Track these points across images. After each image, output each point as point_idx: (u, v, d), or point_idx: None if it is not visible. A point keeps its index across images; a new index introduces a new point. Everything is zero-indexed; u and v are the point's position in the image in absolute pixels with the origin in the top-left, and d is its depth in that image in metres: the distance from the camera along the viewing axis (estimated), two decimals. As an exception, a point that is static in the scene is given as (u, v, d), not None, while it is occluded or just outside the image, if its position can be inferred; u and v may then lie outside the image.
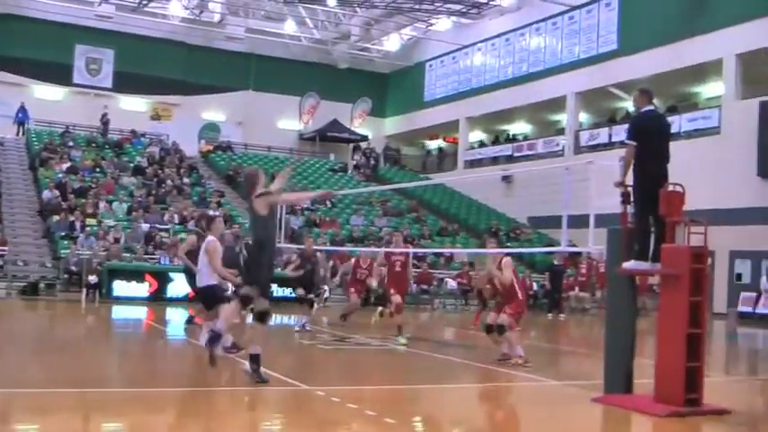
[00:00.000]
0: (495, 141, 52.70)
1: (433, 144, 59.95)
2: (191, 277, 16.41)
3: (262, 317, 11.81)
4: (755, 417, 11.69)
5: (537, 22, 46.96)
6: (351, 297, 22.55)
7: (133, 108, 52.42)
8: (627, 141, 11.62)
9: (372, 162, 52.87)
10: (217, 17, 53.46)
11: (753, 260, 34.30)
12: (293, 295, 29.87)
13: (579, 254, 33.01)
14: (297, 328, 20.73)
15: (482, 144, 53.73)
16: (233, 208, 39.35)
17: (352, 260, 24.19)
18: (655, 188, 11.13)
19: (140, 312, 24.97)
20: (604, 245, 12.24)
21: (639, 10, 40.18)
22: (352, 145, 55.74)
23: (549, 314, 31.80)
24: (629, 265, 11.41)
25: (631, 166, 11.40)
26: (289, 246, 31.12)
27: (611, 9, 42.11)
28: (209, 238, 14.24)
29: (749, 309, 32.38)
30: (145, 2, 48.71)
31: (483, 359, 15.60)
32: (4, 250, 29.86)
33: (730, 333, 26.66)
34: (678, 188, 11.10)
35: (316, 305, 29.52)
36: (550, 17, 45.94)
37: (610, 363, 11.71)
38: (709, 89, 40.75)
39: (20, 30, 48.90)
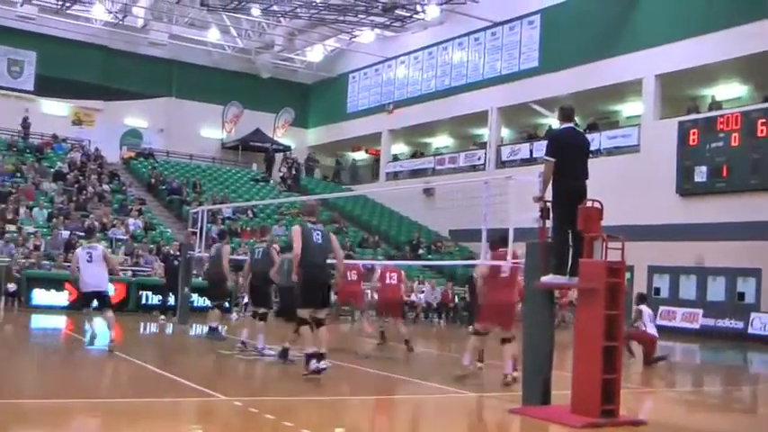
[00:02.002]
0: (414, 155, 52.91)
1: (356, 155, 60.08)
2: None
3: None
4: (670, 428, 11.92)
5: (460, 36, 47.34)
6: None
7: (55, 112, 51.70)
8: (545, 158, 11.80)
9: (294, 172, 52.77)
10: (140, 22, 52.95)
11: (671, 275, 35.02)
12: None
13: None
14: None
15: (396, 158, 53.88)
16: (153, 216, 39.04)
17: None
18: (573, 204, 11.31)
19: (59, 321, 24.66)
20: (523, 258, 12.42)
21: (561, 28, 40.71)
22: (281, 155, 55.45)
23: (470, 327, 31.96)
24: (548, 278, 11.59)
25: (550, 182, 11.60)
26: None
27: (533, 27, 42.64)
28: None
29: (667, 322, 32.95)
30: (68, 4, 48.13)
31: (402, 371, 15.70)
32: None
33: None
34: (596, 204, 11.30)
35: (235, 315, 29.61)
36: (473, 32, 46.31)
37: (527, 375, 11.86)
38: (629, 108, 41.44)
39: (-62, 30, 48.05)
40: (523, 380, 11.92)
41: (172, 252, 28.14)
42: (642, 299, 21.29)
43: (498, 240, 14.00)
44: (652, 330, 20.39)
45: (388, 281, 21.08)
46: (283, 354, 15.77)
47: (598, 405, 10.76)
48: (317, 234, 14.11)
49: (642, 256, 31.56)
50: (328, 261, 14.68)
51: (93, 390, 12.42)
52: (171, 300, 27.40)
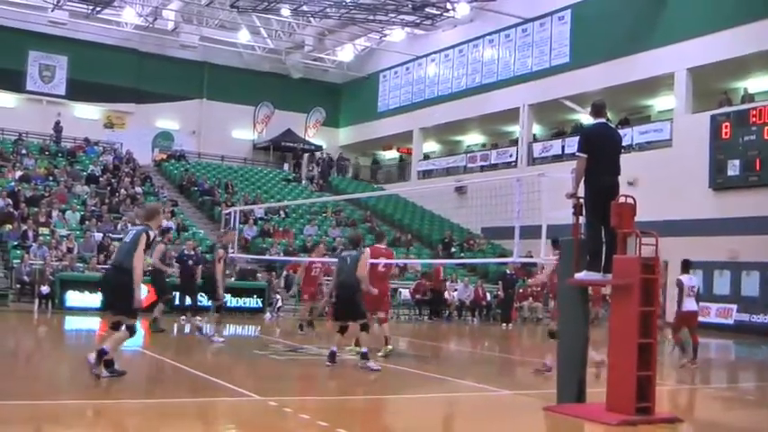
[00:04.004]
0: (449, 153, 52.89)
1: (388, 154, 60.07)
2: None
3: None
4: (706, 425, 11.82)
5: (490, 33, 47.19)
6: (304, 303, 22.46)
7: (87, 116, 51.99)
8: (578, 154, 11.72)
9: (323, 171, 52.82)
10: (170, 25, 53.20)
11: (705, 270, 34.69)
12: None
13: (533, 264, 33.22)
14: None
15: (427, 157, 53.80)
16: (186, 218, 39.15)
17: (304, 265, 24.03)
18: (606, 200, 11.24)
19: (93, 323, 24.74)
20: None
21: (592, 23, 40.49)
22: (306, 155, 55.63)
23: (503, 324, 31.91)
24: (581, 275, 11.51)
25: (583, 178, 11.52)
26: (242, 255, 31.17)
27: (563, 22, 42.43)
28: None
29: (701, 318, 32.66)
30: (98, 8, 48.36)
31: (436, 370, 15.66)
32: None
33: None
34: (629, 200, 11.22)
35: (268, 315, 29.68)
36: (504, 29, 46.17)
37: (562, 372, 11.79)
38: (661, 102, 41.16)
39: (-30, 36, 48.44)
40: (558, 377, 11.84)
41: (186, 252, 28.18)
42: (685, 267, 19.65)
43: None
44: (689, 306, 19.20)
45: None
46: (332, 357, 15.67)
47: (633, 402, 10.67)
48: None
49: (675, 251, 31.29)
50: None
51: (129, 390, 12.43)
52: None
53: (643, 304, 10.81)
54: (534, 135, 45.94)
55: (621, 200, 11.24)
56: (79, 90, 50.79)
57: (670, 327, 20.43)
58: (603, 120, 12.29)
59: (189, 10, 52.27)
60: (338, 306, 16.05)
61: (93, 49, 50.69)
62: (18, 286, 28.91)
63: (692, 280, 19.76)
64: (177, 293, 24.04)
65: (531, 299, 34.67)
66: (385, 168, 59.40)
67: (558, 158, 40.71)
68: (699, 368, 18.71)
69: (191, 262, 25.80)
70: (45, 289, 27.73)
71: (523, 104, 44.42)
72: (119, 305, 12.83)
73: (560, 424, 11.09)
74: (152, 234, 13.00)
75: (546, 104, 43.55)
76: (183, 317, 26.31)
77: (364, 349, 15.52)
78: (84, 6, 48.56)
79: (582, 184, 11.55)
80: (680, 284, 19.07)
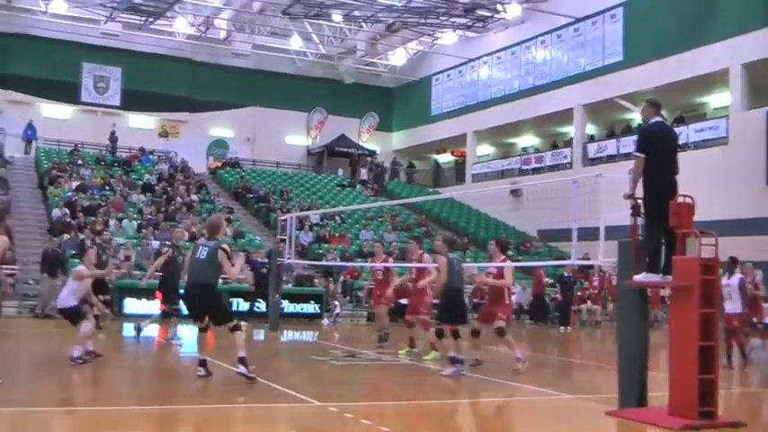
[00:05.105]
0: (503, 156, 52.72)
1: (442, 158, 59.97)
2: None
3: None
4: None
5: (542, 34, 47.00)
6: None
7: (141, 126, 52.54)
8: (636, 153, 11.58)
9: (376, 176, 52.85)
10: (223, 34, 53.66)
11: (763, 270, 34.11)
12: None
13: (590, 266, 33.00)
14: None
15: (481, 160, 53.61)
16: (242, 224, 39.34)
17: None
18: (664, 200, 11.10)
19: (152, 330, 24.91)
20: (615, 257, 12.19)
21: (644, 21, 40.15)
22: (359, 159, 55.69)
23: (562, 327, 31.72)
24: (640, 277, 11.37)
25: (641, 178, 11.38)
26: (299, 261, 31.22)
27: (615, 21, 42.12)
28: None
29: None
30: (151, 20, 48.80)
31: (494, 374, 15.57)
32: (14, 269, 29.69)
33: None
34: (688, 199, 11.08)
35: (326, 320, 29.73)
36: (555, 29, 45.97)
37: (623, 376, 11.64)
38: (716, 99, 40.70)
39: (27, 49, 49.03)
40: (619, 382, 11.70)
41: (259, 260, 28.26)
42: (729, 266, 19.10)
43: None
44: (732, 308, 18.55)
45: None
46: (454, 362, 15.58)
47: (696, 406, 10.53)
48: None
49: (733, 251, 30.86)
50: None
51: (189, 396, 12.52)
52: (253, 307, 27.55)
53: (704, 306, 10.66)
54: (592, 136, 45.64)
55: (680, 199, 11.10)
56: (133, 100, 51.31)
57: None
58: (660, 118, 12.14)
59: (241, 18, 52.65)
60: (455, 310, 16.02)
61: (147, 59, 51.24)
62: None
63: (734, 279, 19.13)
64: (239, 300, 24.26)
65: (589, 301, 34.45)
66: (439, 172, 59.31)
67: (612, 159, 40.37)
68: (736, 371, 18.29)
69: (264, 270, 25.98)
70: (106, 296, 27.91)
71: (577, 105, 44.16)
72: (216, 319, 13.90)
73: (622, 429, 10.96)
74: (226, 247, 13.77)
75: (600, 104, 43.24)
76: (244, 323, 26.50)
77: (451, 354, 15.44)
78: (137, 18, 49.07)
79: (640, 185, 11.42)
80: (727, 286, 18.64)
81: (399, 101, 59.96)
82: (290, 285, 30.68)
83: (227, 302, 28.80)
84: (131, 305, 28.08)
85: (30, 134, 46.92)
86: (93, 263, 16.43)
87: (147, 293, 27.95)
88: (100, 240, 28.82)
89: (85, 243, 26.53)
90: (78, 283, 15.52)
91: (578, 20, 44.23)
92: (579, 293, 34.47)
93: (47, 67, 48.86)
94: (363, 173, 53.27)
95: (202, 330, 14.04)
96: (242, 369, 13.22)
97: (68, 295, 15.47)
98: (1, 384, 12.06)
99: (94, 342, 15.67)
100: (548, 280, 35.41)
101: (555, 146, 48.61)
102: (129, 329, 24.51)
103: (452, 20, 48.64)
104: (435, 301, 17.59)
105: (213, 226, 14.24)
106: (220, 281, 15.06)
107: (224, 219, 15.13)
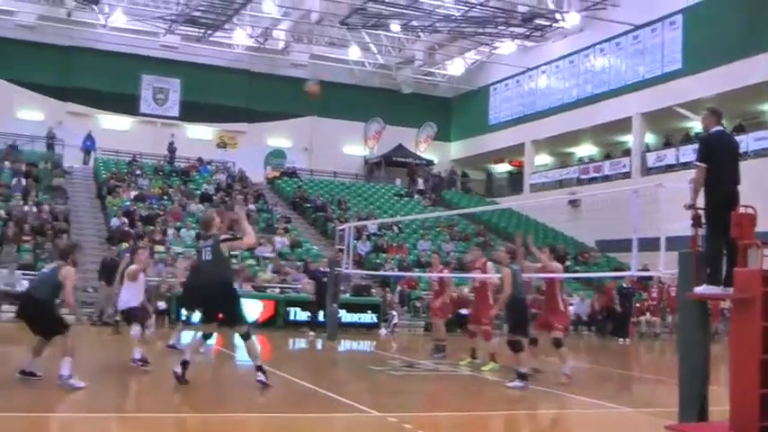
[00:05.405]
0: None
1: (499, 168, 59.79)
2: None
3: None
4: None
5: (600, 42, 46.66)
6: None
7: (199, 136, 53.01)
8: (697, 163, 11.42)
9: (434, 186, 52.80)
10: (281, 45, 53.97)
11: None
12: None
13: (649, 278, 32.68)
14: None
15: (539, 170, 53.35)
16: (299, 234, 39.48)
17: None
18: (726, 210, 10.94)
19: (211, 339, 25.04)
20: (675, 268, 12.04)
21: (704, 28, 39.66)
22: (417, 169, 55.62)
23: (620, 339, 31.43)
24: (701, 289, 11.20)
25: (702, 188, 11.22)
26: (357, 271, 31.25)
27: (675, 28, 41.68)
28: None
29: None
30: (210, 32, 49.22)
31: (552, 385, 15.46)
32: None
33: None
34: (749, 210, 10.91)
35: (384, 330, 29.72)
36: (614, 37, 45.60)
37: (683, 390, 11.46)
38: (776, 107, 40.22)
39: (87, 61, 49.85)
40: (679, 395, 11.54)
41: (321, 269, 28.33)
42: None
43: None
44: None
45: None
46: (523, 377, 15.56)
47: (756, 421, 10.30)
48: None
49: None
50: None
51: (246, 404, 12.55)
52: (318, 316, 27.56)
53: (765, 319, 10.47)
54: (647, 144, 45.20)
55: (741, 210, 10.94)
56: (192, 111, 51.86)
57: None
58: (721, 127, 11.98)
59: (299, 29, 52.98)
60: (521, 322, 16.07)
61: (205, 71, 51.71)
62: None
63: None
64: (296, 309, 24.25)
65: (648, 313, 34.13)
66: (496, 182, 59.15)
67: (672, 168, 39.95)
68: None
69: (324, 279, 26.05)
70: (161, 305, 28.10)
71: (635, 113, 43.77)
72: (229, 319, 13.81)
73: (683, 442, 10.83)
74: (225, 236, 13.74)
75: (659, 113, 42.79)
76: (312, 332, 26.57)
77: (523, 369, 15.37)
78: (196, 30, 49.49)
79: (701, 195, 11.27)
80: None
81: (457, 111, 59.87)
82: (347, 295, 30.74)
83: (283, 311, 29.17)
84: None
85: (88, 145, 47.51)
86: (143, 263, 16.64)
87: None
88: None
89: (138, 244, 26.70)
90: (133, 283, 15.93)
91: (637, 27, 43.85)
92: (638, 305, 34.15)
93: (106, 80, 49.58)
94: (421, 183, 53.25)
95: (206, 337, 14.15)
96: (261, 377, 13.35)
97: (128, 297, 15.94)
98: (85, 388, 12.34)
99: (144, 349, 15.83)
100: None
101: (608, 156, 48.34)
102: (186, 337, 24.71)
103: (511, 29, 48.49)
104: (498, 312, 17.48)
105: (205, 222, 14.30)
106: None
107: (215, 213, 14.99)
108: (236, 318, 13.75)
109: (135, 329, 15.61)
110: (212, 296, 13.68)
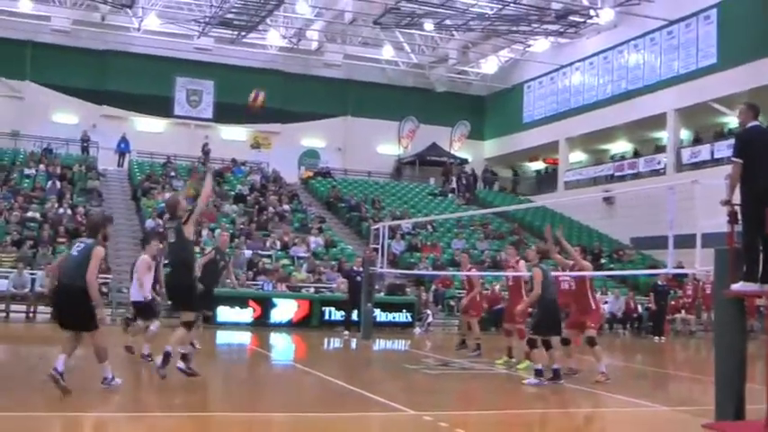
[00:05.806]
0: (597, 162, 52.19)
1: (534, 166, 59.61)
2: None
3: None
4: None
5: (635, 38, 46.41)
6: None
7: (233, 137, 53.21)
8: (733, 159, 11.29)
9: (467, 184, 52.64)
10: (314, 45, 54.06)
11: None
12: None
13: (684, 275, 32.45)
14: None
15: (573, 167, 53.14)
16: (334, 234, 39.51)
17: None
18: (762, 206, 10.82)
19: (244, 337, 25.16)
20: (711, 265, 11.93)
21: (738, 22, 39.33)
22: (451, 167, 55.51)
23: (656, 337, 31.23)
24: (738, 286, 11.09)
25: (738, 184, 11.10)
26: (391, 270, 31.21)
27: (709, 22, 41.35)
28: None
29: None
30: (243, 33, 49.37)
31: (586, 384, 15.39)
32: (108, 278, 30.14)
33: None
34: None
35: (418, 329, 29.70)
36: (648, 33, 45.32)
37: (720, 388, 11.35)
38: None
39: (121, 64, 50.28)
40: (716, 393, 11.44)
41: (355, 268, 28.34)
42: None
43: None
44: None
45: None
46: (556, 375, 15.57)
47: (794, 419, 10.25)
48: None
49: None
50: None
51: (282, 404, 12.58)
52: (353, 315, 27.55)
53: (803, 316, 10.38)
54: (682, 140, 44.88)
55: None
56: (226, 113, 52.11)
57: None
58: (757, 122, 11.85)
59: (332, 29, 53.01)
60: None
61: (239, 72, 51.83)
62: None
63: None
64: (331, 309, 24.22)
65: (683, 311, 33.89)
66: (529, 180, 58.96)
67: (707, 164, 39.67)
68: None
69: (359, 278, 26.06)
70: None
71: (670, 109, 43.48)
72: (182, 304, 13.80)
73: (720, 441, 10.74)
74: (185, 215, 13.87)
75: (693, 108, 42.48)
76: (347, 331, 26.56)
77: (537, 366, 15.53)
78: (230, 32, 49.67)
79: (737, 191, 11.15)
80: None
81: (491, 109, 59.72)
82: (382, 294, 30.72)
83: (318, 311, 29.15)
84: (224, 313, 28.19)
85: (123, 147, 47.76)
86: (153, 254, 16.65)
87: (239, 302, 28.29)
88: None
89: (150, 234, 26.77)
90: (142, 274, 16.45)
91: (671, 22, 43.54)
92: (673, 303, 33.92)
93: (140, 82, 49.96)
94: (455, 181, 53.15)
95: (186, 326, 13.54)
96: (181, 365, 13.20)
97: (136, 289, 16.54)
98: (120, 385, 12.44)
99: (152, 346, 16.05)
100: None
101: (636, 153, 48.14)
102: (222, 337, 24.85)
103: (544, 27, 48.34)
104: (527, 309, 17.45)
105: (170, 206, 14.30)
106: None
107: (181, 197, 14.86)
108: (187, 304, 13.61)
109: (155, 324, 15.76)
110: (173, 278, 13.84)
